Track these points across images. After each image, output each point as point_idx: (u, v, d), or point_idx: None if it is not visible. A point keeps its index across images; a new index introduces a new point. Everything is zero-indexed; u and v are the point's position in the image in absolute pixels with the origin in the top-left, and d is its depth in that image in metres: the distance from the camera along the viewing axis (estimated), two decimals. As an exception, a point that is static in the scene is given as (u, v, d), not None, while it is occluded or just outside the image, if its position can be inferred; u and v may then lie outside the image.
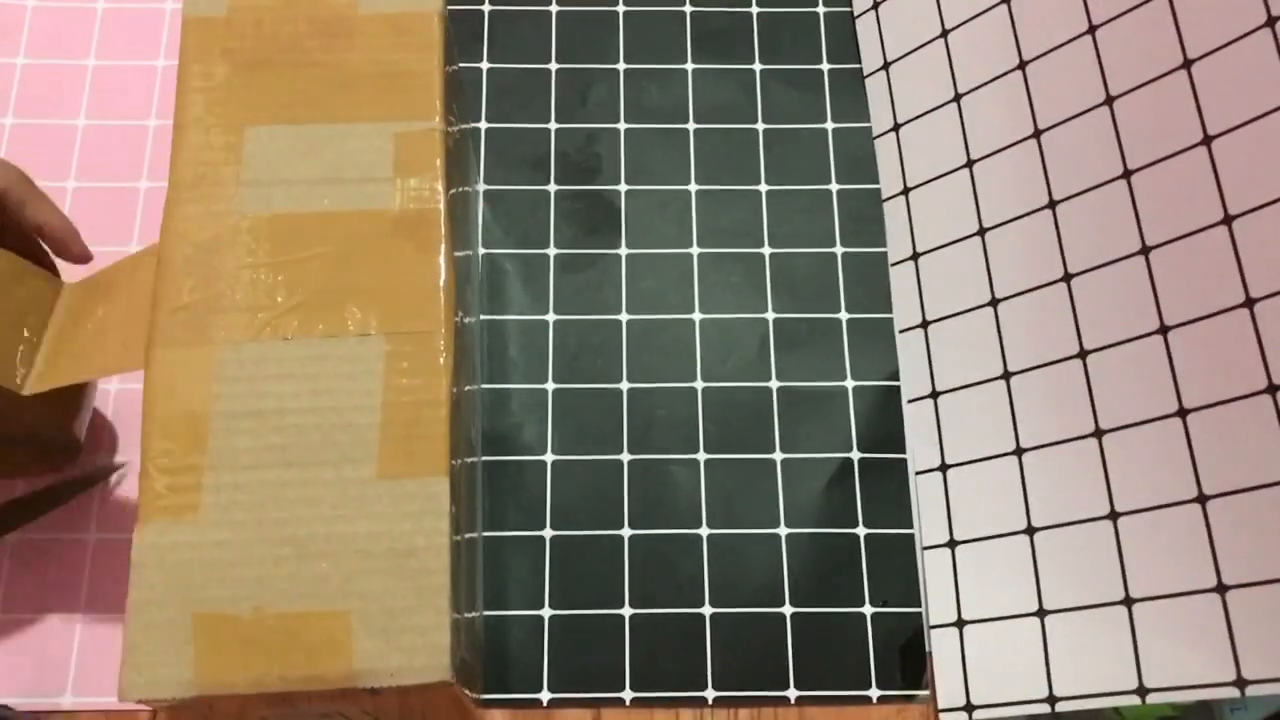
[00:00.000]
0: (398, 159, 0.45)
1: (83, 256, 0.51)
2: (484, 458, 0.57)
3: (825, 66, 0.66)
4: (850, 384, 0.59)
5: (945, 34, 0.60)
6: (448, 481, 0.40)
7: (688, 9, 0.67)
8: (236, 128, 0.45)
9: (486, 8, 0.67)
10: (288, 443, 0.41)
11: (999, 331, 0.55)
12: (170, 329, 0.42)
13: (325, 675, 0.38)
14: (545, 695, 0.53)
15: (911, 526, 0.57)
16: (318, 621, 0.38)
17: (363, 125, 0.45)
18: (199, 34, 0.46)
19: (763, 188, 0.63)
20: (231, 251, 0.43)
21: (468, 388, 0.49)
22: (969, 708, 0.51)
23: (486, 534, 0.56)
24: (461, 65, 0.65)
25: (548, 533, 0.56)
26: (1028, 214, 0.54)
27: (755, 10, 0.68)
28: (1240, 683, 0.43)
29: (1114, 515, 0.49)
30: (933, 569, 0.55)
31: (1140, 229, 0.49)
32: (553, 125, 0.65)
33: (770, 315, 0.61)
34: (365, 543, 0.40)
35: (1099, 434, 0.50)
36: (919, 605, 0.55)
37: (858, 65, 0.66)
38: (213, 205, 0.44)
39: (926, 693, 0.53)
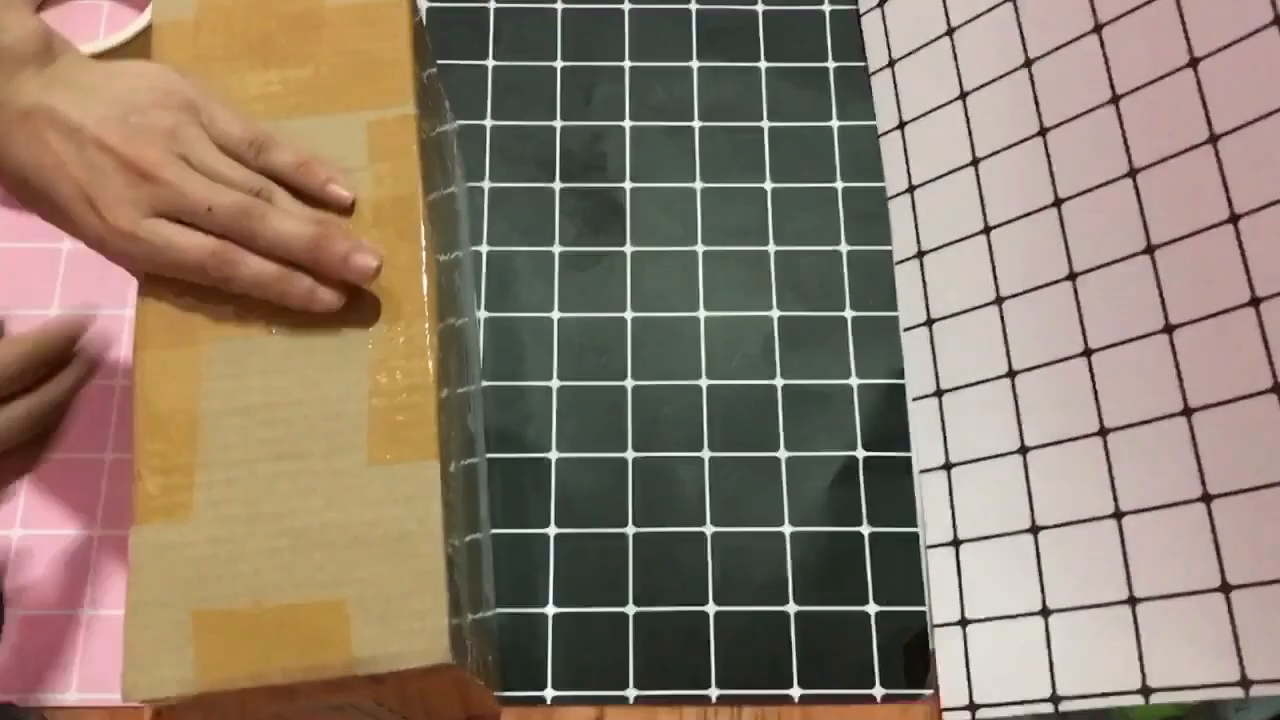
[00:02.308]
0: (372, 146, 0.45)
1: None
2: (489, 455, 0.57)
3: (830, 64, 0.66)
4: (855, 382, 0.59)
5: (951, 32, 0.60)
6: (438, 465, 0.40)
7: (693, 7, 0.67)
8: None
9: (492, 5, 0.67)
10: (277, 436, 0.41)
11: (1004, 330, 0.55)
12: (157, 331, 0.42)
13: (326, 664, 0.38)
14: (549, 693, 0.53)
15: (916, 525, 0.56)
16: (316, 611, 0.39)
17: (337, 116, 0.45)
18: (169, 38, 0.46)
19: (768, 185, 0.63)
20: None
21: (466, 388, 0.49)
22: (972, 707, 0.51)
23: (491, 532, 0.56)
24: (466, 62, 0.65)
25: (552, 530, 0.56)
26: (1033, 212, 0.54)
27: (761, 8, 0.67)
28: (1245, 683, 0.43)
29: (1118, 514, 0.49)
30: (937, 568, 0.55)
31: (1146, 227, 0.49)
32: (558, 123, 0.65)
33: (775, 313, 0.60)
34: (359, 530, 0.40)
35: (1103, 433, 0.50)
36: (923, 604, 0.55)
37: (863, 63, 0.66)
38: None
39: (930, 691, 0.53)
